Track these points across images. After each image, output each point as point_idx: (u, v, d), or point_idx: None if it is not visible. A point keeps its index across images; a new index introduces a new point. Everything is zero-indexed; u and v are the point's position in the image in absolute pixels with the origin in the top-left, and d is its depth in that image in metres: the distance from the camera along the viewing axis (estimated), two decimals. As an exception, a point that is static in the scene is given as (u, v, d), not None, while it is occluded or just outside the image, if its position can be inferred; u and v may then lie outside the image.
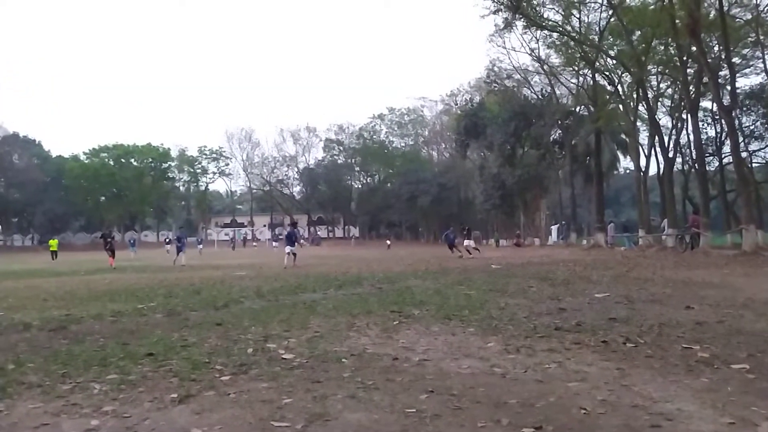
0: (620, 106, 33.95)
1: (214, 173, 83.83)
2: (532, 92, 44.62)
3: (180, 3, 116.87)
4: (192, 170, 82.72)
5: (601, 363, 4.49)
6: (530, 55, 38.22)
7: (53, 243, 36.78)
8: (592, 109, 35.11)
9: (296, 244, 21.24)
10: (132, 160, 78.27)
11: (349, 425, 3.15)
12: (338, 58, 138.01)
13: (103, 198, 77.60)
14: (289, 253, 20.02)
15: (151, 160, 78.98)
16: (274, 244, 45.12)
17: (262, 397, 3.65)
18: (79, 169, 75.25)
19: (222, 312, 7.87)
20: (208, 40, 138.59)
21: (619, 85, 33.32)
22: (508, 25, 30.66)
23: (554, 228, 46.12)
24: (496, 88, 45.08)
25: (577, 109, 41.38)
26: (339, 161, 79.75)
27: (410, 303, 8.34)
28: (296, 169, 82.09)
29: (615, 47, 32.16)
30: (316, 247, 55.94)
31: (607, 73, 33.60)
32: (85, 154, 78.79)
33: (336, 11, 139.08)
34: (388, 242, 40.64)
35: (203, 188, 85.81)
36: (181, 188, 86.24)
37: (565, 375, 4.15)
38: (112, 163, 77.21)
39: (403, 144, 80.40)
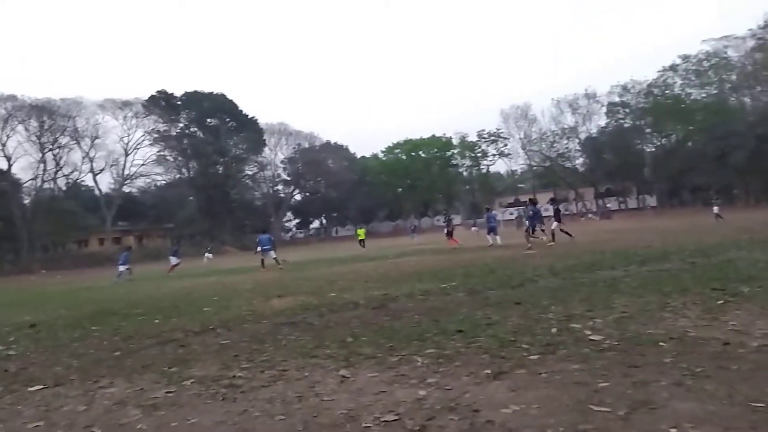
0: None
1: (494, 155, 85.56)
2: None
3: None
4: (473, 155, 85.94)
5: None
6: None
7: (360, 232, 39.11)
8: None
9: (537, 224, 19.58)
10: (420, 153, 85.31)
11: (681, 416, 2.84)
12: (620, 9, 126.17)
13: (399, 189, 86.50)
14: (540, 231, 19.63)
15: (436, 150, 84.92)
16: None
17: (575, 379, 3.56)
18: (379, 166, 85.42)
19: (518, 291, 7.95)
20: (473, 27, 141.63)
21: None
22: None
23: None
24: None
25: None
26: (625, 125, 72.98)
27: (735, 279, 7.13)
28: (577, 141, 78.16)
29: None
30: (607, 221, 52.46)
31: None
32: (382, 152, 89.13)
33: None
34: (716, 210, 30.49)
35: (485, 171, 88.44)
36: (464, 173, 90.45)
37: None
38: (404, 157, 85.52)
39: (703, 95, 69.11)
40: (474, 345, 4.71)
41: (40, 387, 4.58)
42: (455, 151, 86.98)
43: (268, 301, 9.58)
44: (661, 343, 4.27)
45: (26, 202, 63.99)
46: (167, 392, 4.08)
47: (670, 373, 3.51)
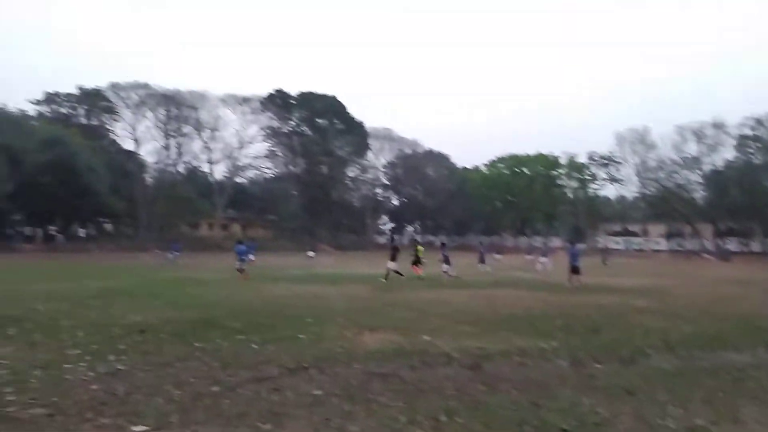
0: None
1: (604, 179, 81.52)
2: None
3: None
4: (581, 177, 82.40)
5: None
6: None
7: (420, 249, 34.23)
8: None
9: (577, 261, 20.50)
10: (524, 169, 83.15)
11: None
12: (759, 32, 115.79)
13: (498, 204, 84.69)
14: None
15: (541, 168, 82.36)
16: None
17: None
18: (480, 179, 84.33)
19: (630, 370, 7.28)
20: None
21: None
22: None
23: None
24: None
25: None
26: (756, 161, 66.61)
27: None
28: (699, 172, 72.36)
29: None
30: (725, 264, 48.07)
31: None
32: (484, 165, 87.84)
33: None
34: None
35: (592, 194, 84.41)
36: (569, 194, 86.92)
37: None
38: (507, 172, 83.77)
39: None
40: (581, 458, 4.30)
41: (143, 428, 4.75)
42: (561, 171, 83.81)
43: (360, 334, 9.57)
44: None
45: (148, 183, 69.56)
46: (259, 464, 4.06)
47: None
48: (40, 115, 64.37)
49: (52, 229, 58.55)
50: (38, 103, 65.41)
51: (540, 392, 6.12)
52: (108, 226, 70.58)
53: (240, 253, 22.81)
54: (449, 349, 8.40)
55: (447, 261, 23.12)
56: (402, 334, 9.60)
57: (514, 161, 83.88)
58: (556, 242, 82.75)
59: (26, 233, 55.50)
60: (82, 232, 62.22)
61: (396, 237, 31.91)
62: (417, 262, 23.43)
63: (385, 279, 20.49)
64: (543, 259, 31.77)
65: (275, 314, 12.02)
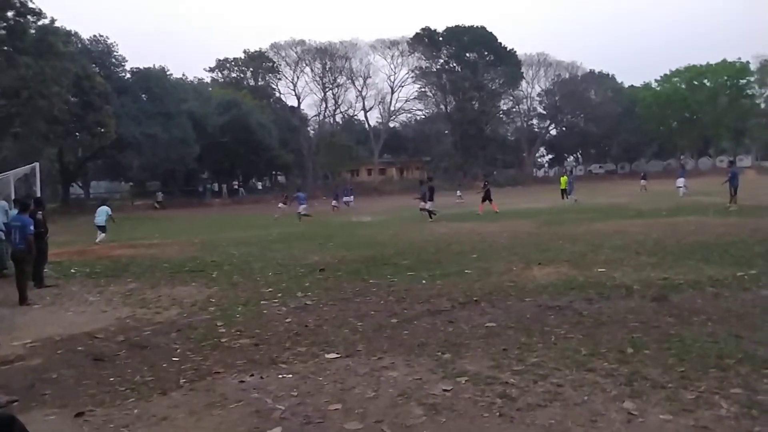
0: None
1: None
2: None
3: None
4: (777, 83, 70.26)
5: None
6: None
7: (563, 180, 31.12)
8: None
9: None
10: (705, 81, 73.07)
11: None
12: None
13: (675, 123, 76.03)
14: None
15: (726, 78, 71.59)
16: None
17: None
18: (651, 97, 75.89)
19: None
20: None
21: None
22: None
23: None
24: None
25: None
26: None
27: None
28: None
29: None
30: None
31: None
32: (656, 81, 78.89)
33: None
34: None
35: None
36: (762, 105, 74.91)
37: None
38: (683, 86, 74.36)
39: None
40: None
41: (335, 356, 5.20)
42: (752, 79, 72.11)
43: (528, 269, 9.38)
44: None
45: (311, 135, 74.06)
46: (444, 390, 4.21)
47: None
48: (214, 81, 71.13)
49: (235, 184, 65.32)
50: (212, 70, 72.29)
51: (741, 324, 5.53)
52: (281, 178, 76.96)
53: (299, 199, 26.64)
54: (629, 281, 7.90)
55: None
56: (574, 267, 9.23)
57: (693, 72, 73.63)
58: (745, 162, 72.77)
59: (214, 189, 62.56)
60: (259, 185, 68.61)
61: (431, 175, 32.81)
62: (486, 198, 24.32)
63: (430, 217, 20.87)
64: (680, 181, 28.98)
65: (440, 251, 12.27)
